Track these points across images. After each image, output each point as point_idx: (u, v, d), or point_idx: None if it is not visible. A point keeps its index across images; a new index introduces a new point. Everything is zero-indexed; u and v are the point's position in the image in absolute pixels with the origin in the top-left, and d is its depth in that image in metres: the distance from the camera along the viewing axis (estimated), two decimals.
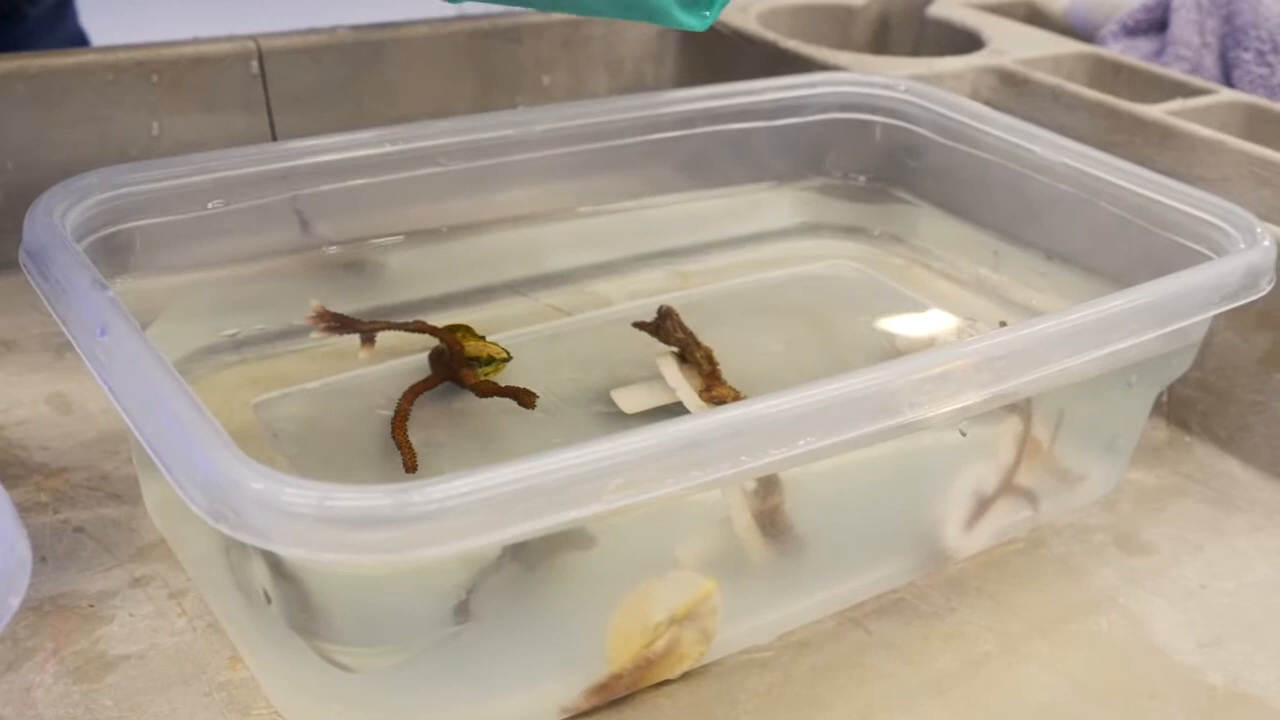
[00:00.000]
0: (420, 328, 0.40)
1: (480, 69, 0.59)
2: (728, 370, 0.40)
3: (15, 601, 0.21)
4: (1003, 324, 0.44)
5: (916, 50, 0.73)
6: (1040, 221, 0.46)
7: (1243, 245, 0.38)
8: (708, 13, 0.36)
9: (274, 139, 0.56)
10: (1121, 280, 0.38)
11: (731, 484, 0.32)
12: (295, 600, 0.27)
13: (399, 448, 0.36)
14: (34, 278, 0.33)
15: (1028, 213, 0.46)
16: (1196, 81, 0.61)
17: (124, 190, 0.37)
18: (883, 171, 0.51)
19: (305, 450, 0.37)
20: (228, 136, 0.55)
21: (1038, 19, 0.76)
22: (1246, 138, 0.54)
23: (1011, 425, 0.38)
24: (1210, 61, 0.66)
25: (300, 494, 0.24)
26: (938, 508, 0.38)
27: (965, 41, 0.67)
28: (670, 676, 0.34)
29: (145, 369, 0.28)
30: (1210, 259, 0.39)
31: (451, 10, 0.41)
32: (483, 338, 0.41)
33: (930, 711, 0.34)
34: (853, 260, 0.52)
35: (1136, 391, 0.41)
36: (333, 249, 0.43)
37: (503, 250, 0.47)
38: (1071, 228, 0.45)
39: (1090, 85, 0.62)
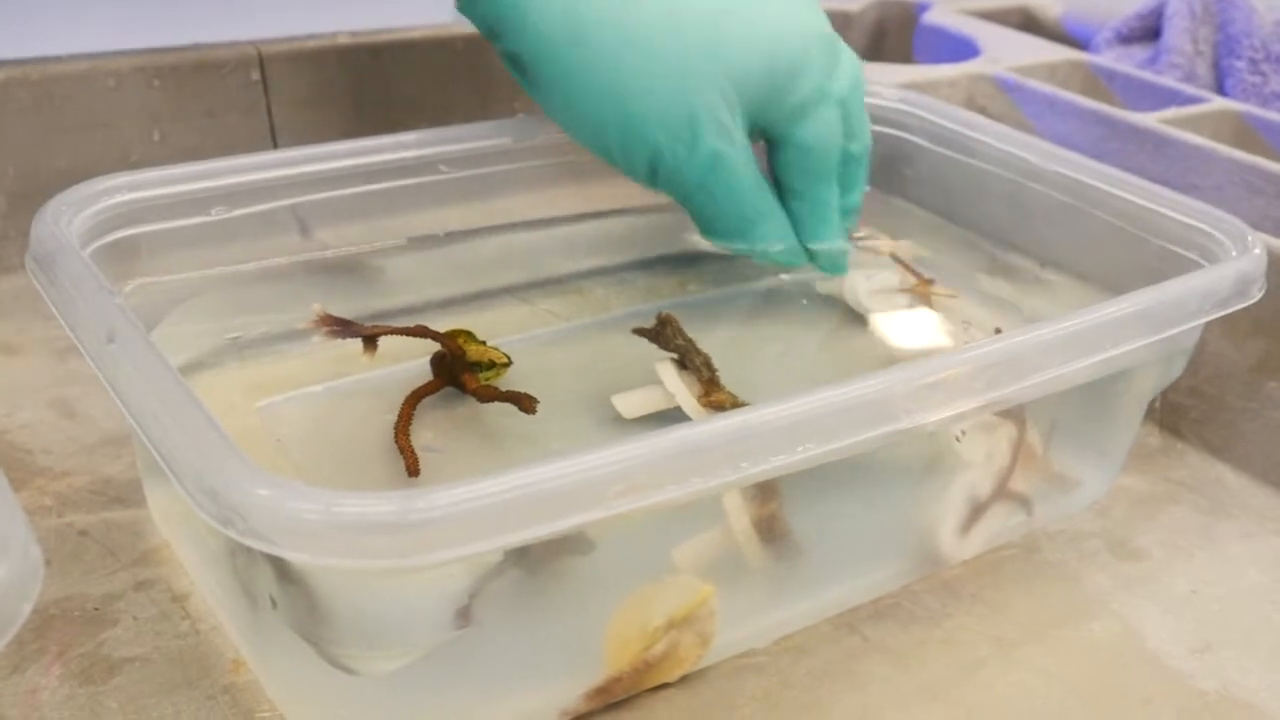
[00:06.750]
0: (422, 332, 0.40)
1: (480, 75, 0.60)
2: (726, 376, 0.40)
3: (27, 608, 0.21)
4: (998, 331, 0.44)
5: (911, 57, 0.73)
6: (1034, 229, 0.47)
7: (1234, 253, 0.39)
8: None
9: (275, 144, 0.57)
10: (1115, 286, 0.39)
11: (730, 489, 0.33)
12: (300, 604, 0.28)
13: (401, 452, 0.36)
14: (41, 283, 0.33)
15: (1022, 220, 0.47)
16: (1189, 89, 0.61)
17: (129, 197, 0.37)
18: (878, 179, 0.52)
19: (309, 454, 0.37)
20: (229, 141, 0.56)
21: (1033, 26, 0.76)
22: (1239, 146, 0.54)
23: (1006, 431, 0.39)
24: (1203, 70, 0.67)
25: (307, 500, 0.25)
26: (933, 513, 0.38)
27: (960, 48, 0.68)
28: (668, 680, 0.34)
29: (152, 374, 0.28)
30: (1202, 266, 0.40)
31: (451, 15, 0.41)
32: (483, 343, 0.41)
33: (925, 716, 0.35)
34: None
35: (1129, 398, 0.42)
36: (333, 254, 0.43)
37: (502, 255, 0.47)
38: (1065, 235, 0.45)
39: (1084, 93, 0.63)
